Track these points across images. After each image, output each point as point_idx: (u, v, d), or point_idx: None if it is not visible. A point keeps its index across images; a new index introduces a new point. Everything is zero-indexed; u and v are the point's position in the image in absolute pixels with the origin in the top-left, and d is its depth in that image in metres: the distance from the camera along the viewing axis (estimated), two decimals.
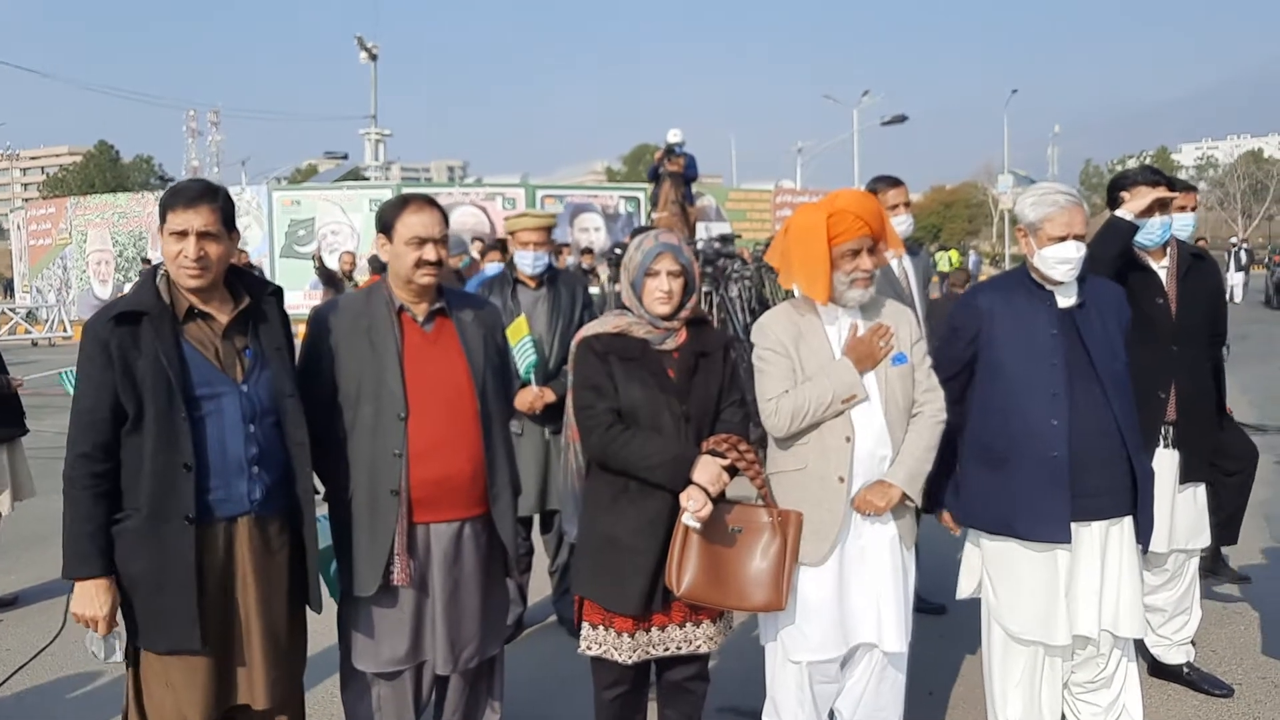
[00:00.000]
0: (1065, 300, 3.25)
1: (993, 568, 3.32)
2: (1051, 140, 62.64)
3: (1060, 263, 3.17)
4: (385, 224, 3.04)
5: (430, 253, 2.98)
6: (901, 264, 4.86)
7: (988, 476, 3.24)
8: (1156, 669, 4.16)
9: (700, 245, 10.16)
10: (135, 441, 2.60)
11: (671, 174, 12.59)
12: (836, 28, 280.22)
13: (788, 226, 3.19)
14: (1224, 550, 4.76)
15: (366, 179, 32.80)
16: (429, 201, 3.05)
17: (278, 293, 2.90)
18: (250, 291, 2.82)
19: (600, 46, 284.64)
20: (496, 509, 3.09)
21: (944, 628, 4.70)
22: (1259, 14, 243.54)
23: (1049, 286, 3.25)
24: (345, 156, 38.43)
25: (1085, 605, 3.21)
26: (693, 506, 2.92)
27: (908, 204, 4.87)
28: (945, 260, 36.31)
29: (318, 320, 3.07)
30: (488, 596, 3.11)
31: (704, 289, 8.85)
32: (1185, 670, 4.10)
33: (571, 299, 4.68)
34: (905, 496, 3.08)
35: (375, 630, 3.01)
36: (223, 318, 2.74)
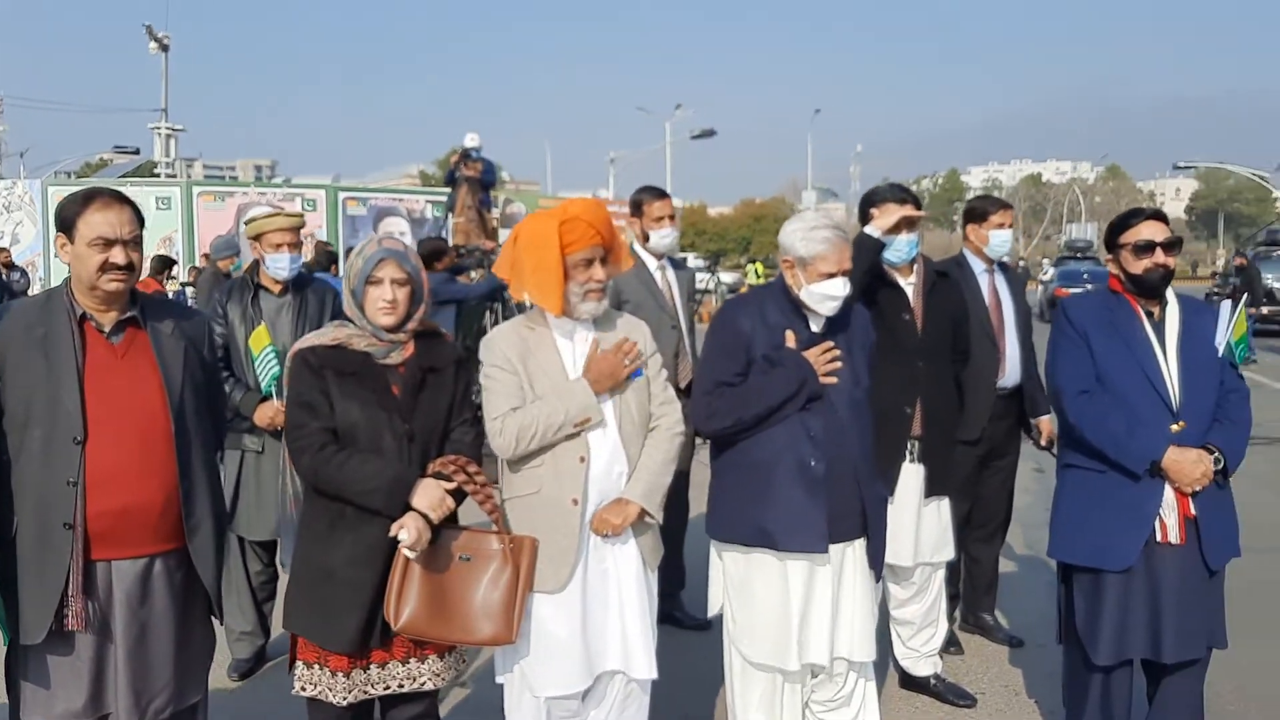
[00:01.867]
0: (818, 322, 3.22)
1: (734, 589, 3.25)
2: (854, 159, 65.45)
3: (828, 298, 3.13)
4: (65, 223, 2.68)
5: (118, 255, 2.64)
6: (665, 276, 4.82)
7: (746, 488, 3.16)
8: (906, 681, 4.22)
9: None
10: None
11: (469, 179, 12.32)
12: (651, 41, 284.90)
13: (516, 234, 3.02)
14: (996, 615, 4.88)
15: (158, 175, 30.97)
16: (117, 198, 2.71)
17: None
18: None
19: (418, 49, 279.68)
20: (194, 543, 2.77)
21: (710, 645, 4.63)
22: (1042, 48, 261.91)
23: (805, 310, 3.21)
24: (136, 151, 36.20)
25: (818, 632, 3.17)
26: (404, 537, 2.71)
27: (673, 217, 4.83)
28: (752, 272, 37.33)
29: None
30: (184, 639, 2.79)
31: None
32: (933, 681, 4.16)
33: (320, 307, 4.37)
34: (644, 513, 2.98)
35: (48, 680, 2.65)
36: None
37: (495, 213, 14.64)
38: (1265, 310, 23.09)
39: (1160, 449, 3.10)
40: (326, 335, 2.91)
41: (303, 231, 4.53)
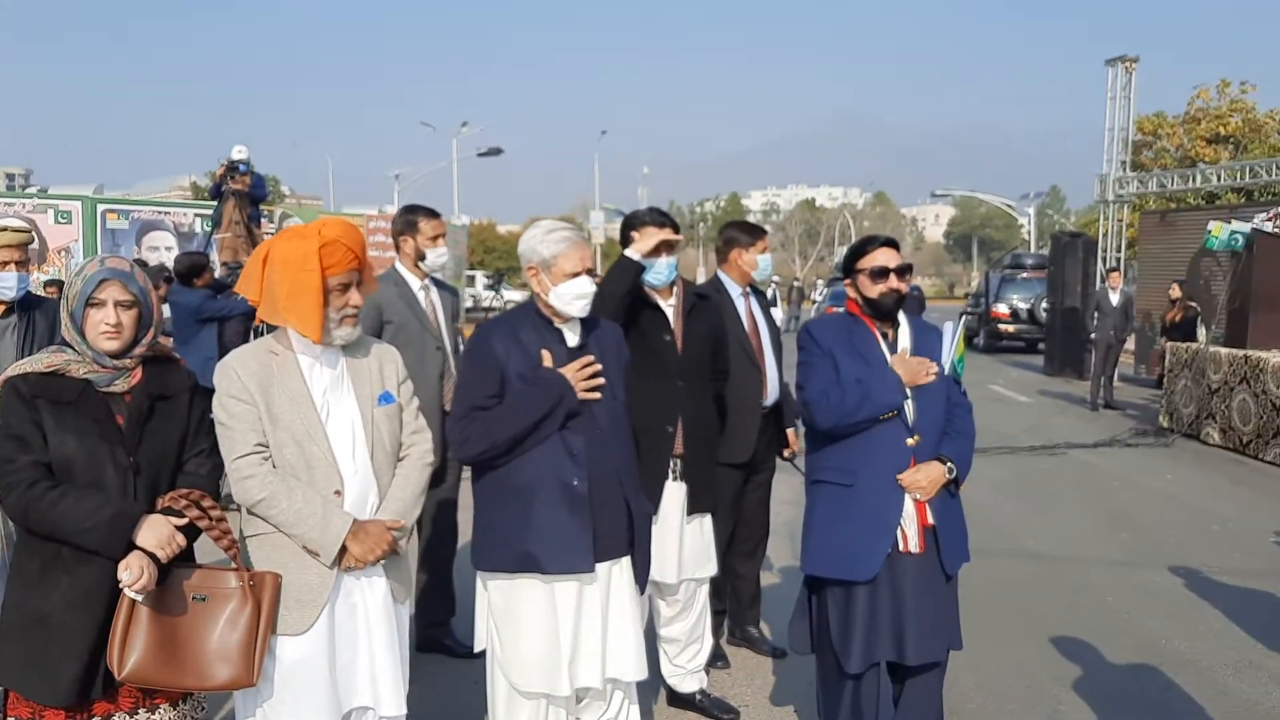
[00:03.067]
0: (573, 338, 3.21)
1: (499, 616, 3.19)
2: (641, 180, 66.67)
3: (577, 297, 3.14)
4: None
5: None
6: (429, 297, 4.72)
7: (508, 512, 3.11)
8: (673, 698, 4.27)
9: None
10: None
11: (236, 193, 11.78)
12: (438, 58, 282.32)
13: (265, 255, 2.84)
14: (761, 627, 5.01)
15: None
16: None
17: None
18: None
19: (198, 56, 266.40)
20: None
21: (479, 671, 4.55)
22: (818, 79, 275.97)
23: (559, 324, 3.20)
24: None
25: (589, 654, 3.16)
26: (127, 578, 2.52)
27: (443, 235, 4.74)
28: None
29: None
30: None
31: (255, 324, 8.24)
32: (698, 697, 4.22)
33: (51, 329, 4.03)
34: (395, 545, 2.88)
35: None
36: None
37: (269, 227, 14.05)
38: (1012, 328, 25.00)
39: (898, 400, 3.24)
40: (41, 361, 2.67)
41: (55, 247, 4.16)
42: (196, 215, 24.80)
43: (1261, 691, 4.48)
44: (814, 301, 33.37)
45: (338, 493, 2.82)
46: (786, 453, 4.77)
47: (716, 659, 4.64)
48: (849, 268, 3.47)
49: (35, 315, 4.02)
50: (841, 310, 3.54)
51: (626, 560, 3.24)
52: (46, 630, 2.56)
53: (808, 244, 78.29)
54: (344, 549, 2.77)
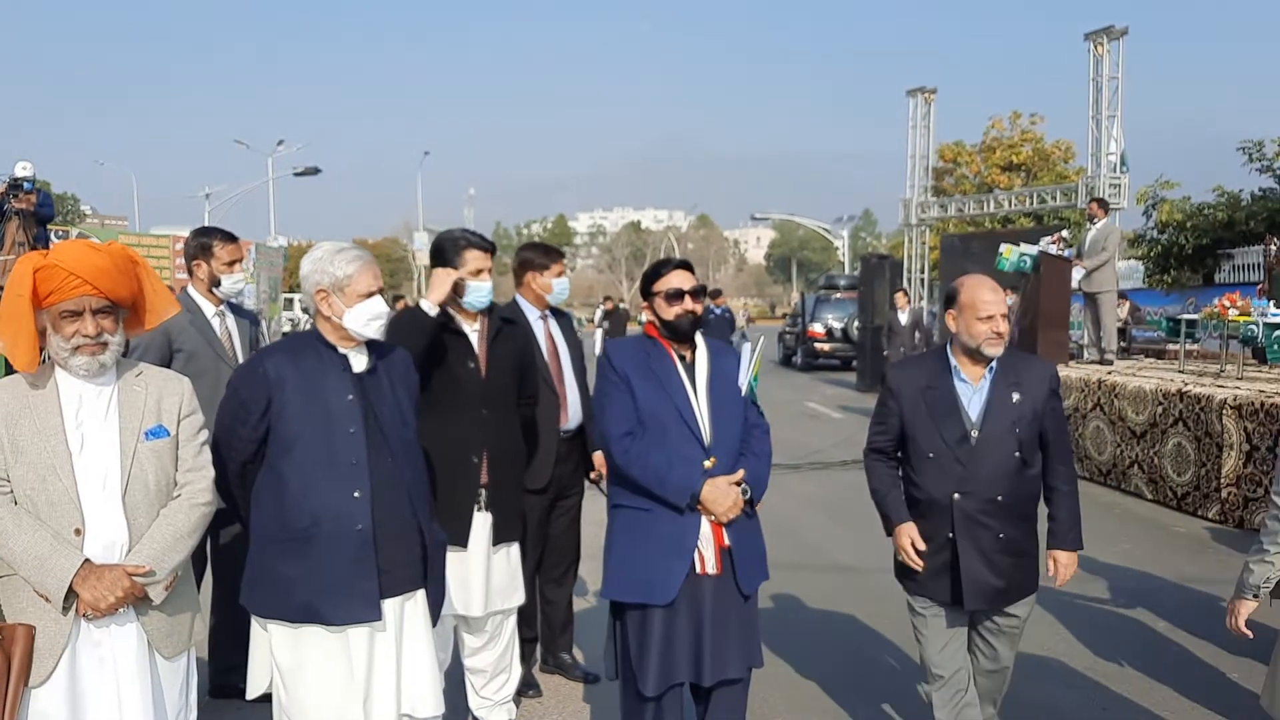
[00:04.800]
0: (359, 363, 3.10)
1: (285, 662, 3.00)
2: (467, 201, 66.10)
3: (373, 318, 3.04)
4: None
5: None
6: (225, 323, 4.51)
7: (287, 560, 2.94)
8: None
9: None
10: None
11: (21, 212, 11.02)
12: (251, 74, 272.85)
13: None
14: (574, 653, 4.95)
15: None
16: None
17: None
18: None
19: None
20: None
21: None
22: (639, 103, 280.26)
23: (344, 348, 3.08)
24: None
25: (383, 692, 3.03)
26: None
27: (241, 260, 4.54)
28: None
29: None
30: None
31: None
32: None
33: None
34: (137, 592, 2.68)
35: None
36: None
37: None
38: (827, 347, 25.92)
39: (697, 482, 3.27)
40: None
41: None
42: None
43: (1048, 693, 4.72)
44: (638, 323, 33.70)
45: (78, 531, 2.63)
46: (593, 475, 4.75)
47: (528, 688, 4.57)
48: (646, 290, 3.49)
49: None
50: (640, 334, 3.56)
51: (420, 593, 3.14)
52: None
53: (634, 265, 79.39)
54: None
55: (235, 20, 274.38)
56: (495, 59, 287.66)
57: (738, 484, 3.32)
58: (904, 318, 15.92)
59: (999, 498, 3.45)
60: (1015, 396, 3.48)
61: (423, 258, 48.45)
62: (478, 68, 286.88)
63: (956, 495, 3.46)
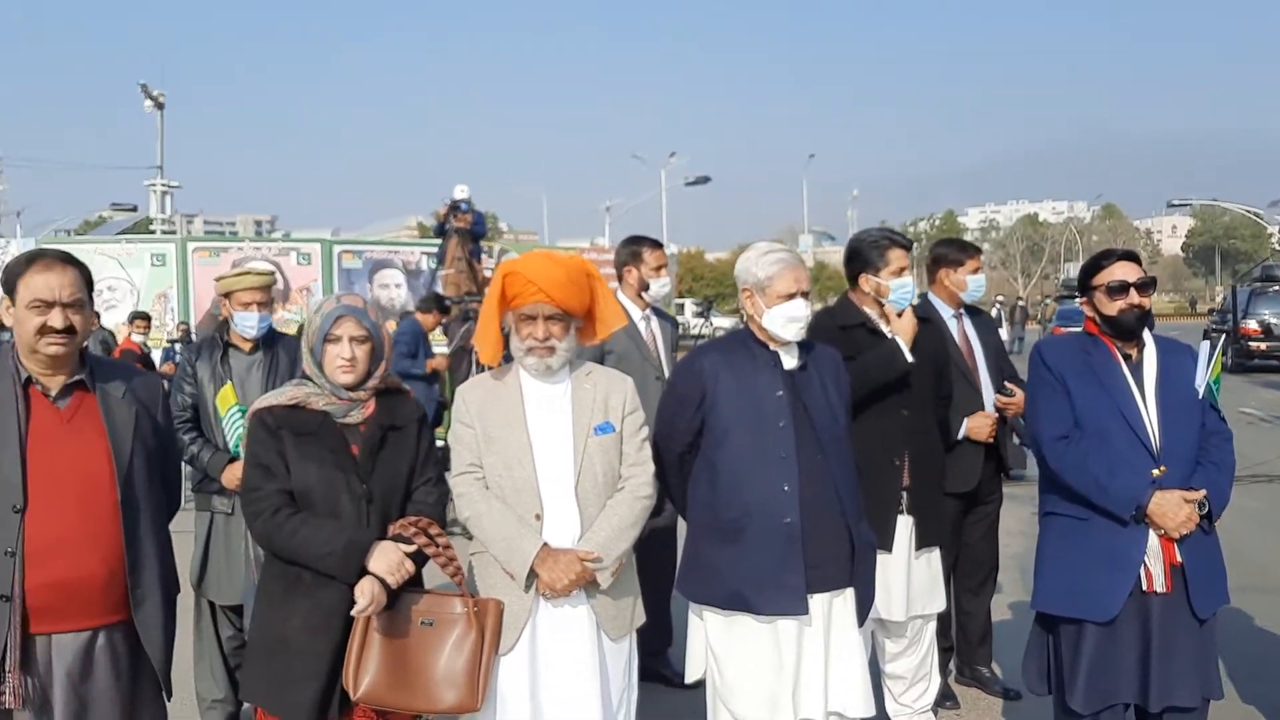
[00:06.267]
0: (790, 361, 3.15)
1: (718, 647, 3.14)
2: (850, 203, 65.78)
3: (791, 320, 3.09)
4: (8, 284, 2.60)
5: (56, 319, 2.55)
6: (650, 327, 4.75)
7: (719, 549, 3.08)
8: None
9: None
10: None
11: (459, 230, 12.38)
12: (645, 89, 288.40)
13: None
14: (993, 667, 4.75)
15: (154, 231, 31.11)
16: (61, 259, 2.63)
17: None
18: None
19: (417, 102, 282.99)
20: (141, 616, 2.66)
21: (699, 703, 4.50)
22: (1036, 90, 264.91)
23: (773, 346, 3.14)
24: (134, 208, 36.46)
25: (811, 685, 3.07)
26: (360, 603, 2.62)
27: (666, 265, 4.79)
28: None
29: None
30: (130, 716, 2.68)
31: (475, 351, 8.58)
32: None
33: (292, 364, 4.29)
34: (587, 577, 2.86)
35: None
36: None
37: (489, 263, 14.66)
38: (1264, 346, 23.09)
39: (1144, 492, 3.00)
40: (284, 394, 2.83)
41: (297, 286, 4.48)
42: (423, 254, 26.26)
43: None
44: (1040, 323, 31.85)
45: (538, 517, 2.86)
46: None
47: (945, 699, 4.42)
48: (1084, 284, 3.25)
49: (278, 351, 4.30)
50: (1078, 329, 3.32)
51: (849, 592, 3.13)
52: (289, 651, 2.70)
53: (1030, 262, 74.95)
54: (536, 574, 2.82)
55: (632, 38, 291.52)
56: (875, 56, 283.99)
57: (1195, 500, 3.01)
58: None
59: None
60: None
61: (808, 259, 48.82)
62: (857, 66, 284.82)
63: None
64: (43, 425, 2.60)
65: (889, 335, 3.80)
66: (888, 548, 3.70)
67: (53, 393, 2.64)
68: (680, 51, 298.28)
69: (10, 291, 2.60)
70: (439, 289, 12.27)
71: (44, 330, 2.55)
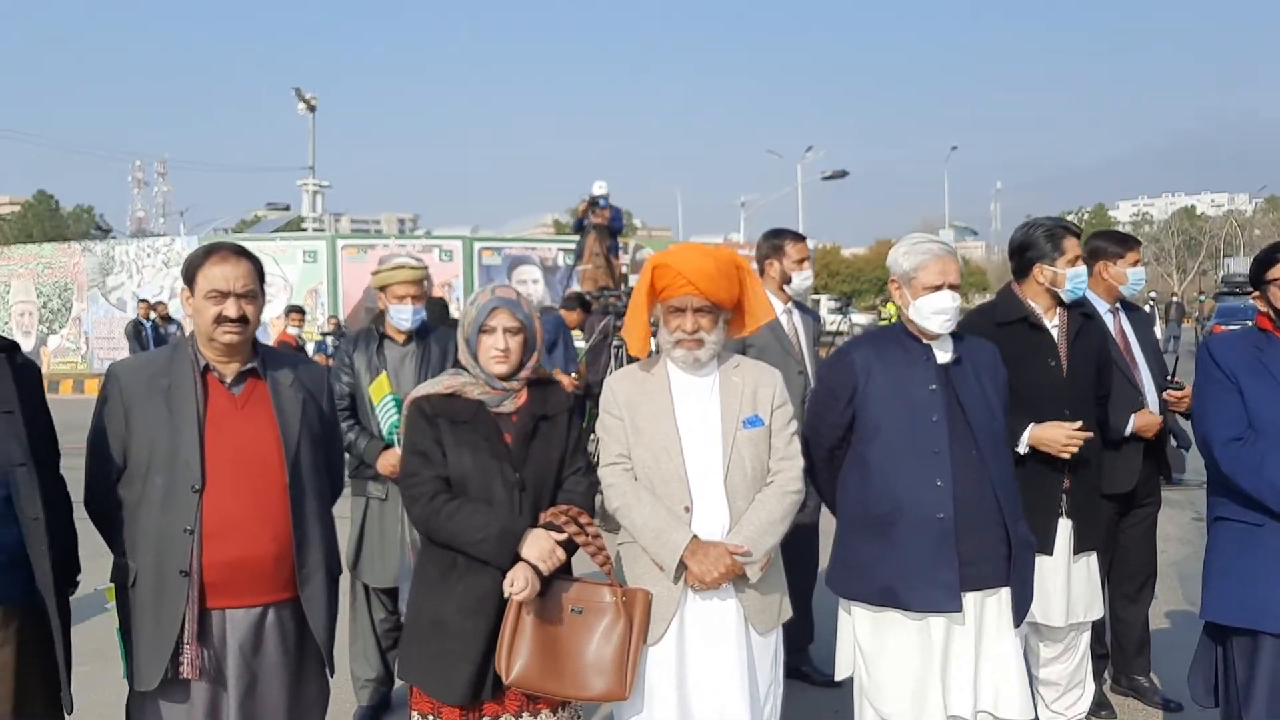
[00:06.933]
0: (943, 355, 3.08)
1: (866, 644, 3.10)
2: (994, 196, 63.90)
3: (936, 313, 3.02)
4: (188, 275, 2.76)
5: (231, 308, 2.70)
6: (792, 320, 4.70)
7: (869, 544, 3.04)
8: None
9: (626, 298, 10.04)
10: None
11: (596, 226, 12.47)
12: (780, 84, 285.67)
13: None
14: (1152, 677, 4.55)
15: (305, 230, 32.41)
16: (236, 251, 2.77)
17: (11, 348, 2.58)
18: None
19: (550, 100, 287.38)
20: (306, 594, 2.79)
21: (840, 702, 4.45)
22: (1194, 79, 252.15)
23: (926, 340, 3.08)
24: (287, 207, 38.05)
25: (960, 684, 3.01)
26: (514, 589, 2.67)
27: (809, 259, 4.74)
28: (887, 314, 36.59)
29: (111, 379, 2.79)
30: (296, 691, 2.80)
31: (615, 344, 8.66)
32: None
33: (443, 355, 4.41)
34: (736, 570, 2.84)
35: None
36: None
37: (624, 258, 14.75)
38: None
39: None
40: (441, 383, 2.90)
41: (439, 282, 4.60)
42: (560, 250, 26.69)
43: None
44: (1198, 320, 30.30)
45: (686, 509, 2.85)
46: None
47: (1100, 708, 4.25)
48: (1257, 278, 3.08)
49: (430, 342, 4.42)
50: (1238, 327, 3.14)
51: (1004, 592, 3.04)
52: (444, 633, 2.76)
53: (1186, 256, 71.34)
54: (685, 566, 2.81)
55: (769, 37, 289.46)
56: (1018, 45, 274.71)
57: None
58: None
59: None
60: None
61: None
62: (1000, 55, 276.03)
63: None
64: (219, 410, 2.74)
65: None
66: (1048, 551, 3.57)
67: (228, 379, 2.78)
68: (816, 45, 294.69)
69: (190, 282, 2.75)
70: (576, 285, 12.42)
71: (219, 319, 2.69)
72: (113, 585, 2.75)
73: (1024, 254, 3.79)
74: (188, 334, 2.85)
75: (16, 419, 2.50)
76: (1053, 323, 3.76)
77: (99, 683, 3.67)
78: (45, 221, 72.34)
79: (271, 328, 15.97)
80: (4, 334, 2.63)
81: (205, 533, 2.64)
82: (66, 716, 2.62)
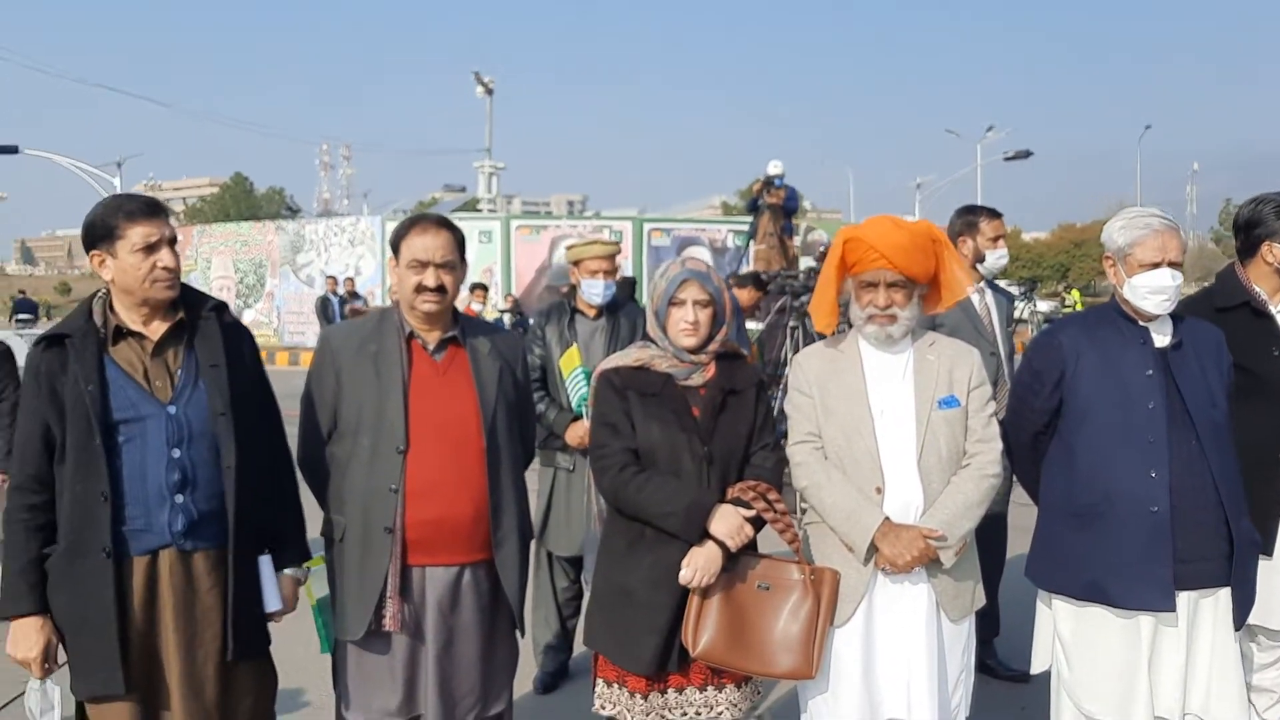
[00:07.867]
0: (1161, 338, 2.90)
1: (1069, 639, 2.96)
2: (1190, 178, 60.23)
3: (1153, 292, 2.84)
4: (394, 244, 2.89)
5: (430, 278, 2.79)
6: (984, 300, 4.53)
7: (1076, 536, 2.89)
8: None
9: (802, 278, 9.90)
10: (61, 471, 2.46)
11: (771, 206, 12.41)
12: (959, 61, 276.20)
13: None
14: None
15: (480, 211, 33.37)
16: (439, 223, 2.87)
17: (220, 307, 2.72)
18: (188, 307, 2.65)
19: (721, 78, 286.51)
20: (500, 555, 2.87)
21: (1027, 698, 4.29)
22: None
23: (1142, 322, 2.91)
24: (463, 189, 39.32)
25: (1169, 684, 2.84)
26: (685, 575, 2.68)
27: (1004, 236, 4.56)
28: (1071, 300, 35.06)
29: (323, 343, 2.93)
30: (489, 650, 2.89)
31: (791, 324, 8.55)
32: None
33: (632, 330, 4.45)
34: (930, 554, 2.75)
35: (366, 678, 2.82)
36: (154, 336, 2.58)
37: (796, 240, 14.61)
38: None
39: None
40: (630, 356, 2.91)
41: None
42: (730, 231, 26.62)
43: None
44: None
45: (878, 490, 2.78)
46: None
47: None
48: None
49: (619, 316, 4.48)
50: None
51: (1223, 592, 2.85)
52: (631, 604, 2.78)
53: None
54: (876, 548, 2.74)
55: (945, 13, 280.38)
56: (1219, 19, 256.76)
57: None
58: None
59: None
60: None
61: None
62: (1198, 29, 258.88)
63: None
64: (422, 375, 2.84)
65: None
66: (1269, 551, 3.33)
67: (430, 346, 2.88)
68: (997, 21, 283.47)
69: (395, 251, 2.86)
70: (749, 264, 12.37)
71: (419, 288, 2.78)
72: (317, 557, 2.88)
73: (1251, 231, 3.51)
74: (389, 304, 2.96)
75: (222, 372, 2.61)
76: (1277, 308, 3.48)
77: (290, 640, 3.84)
78: (241, 202, 77.03)
79: (458, 303, 16.53)
80: (203, 294, 2.76)
81: (408, 492, 2.75)
82: (273, 665, 2.75)
